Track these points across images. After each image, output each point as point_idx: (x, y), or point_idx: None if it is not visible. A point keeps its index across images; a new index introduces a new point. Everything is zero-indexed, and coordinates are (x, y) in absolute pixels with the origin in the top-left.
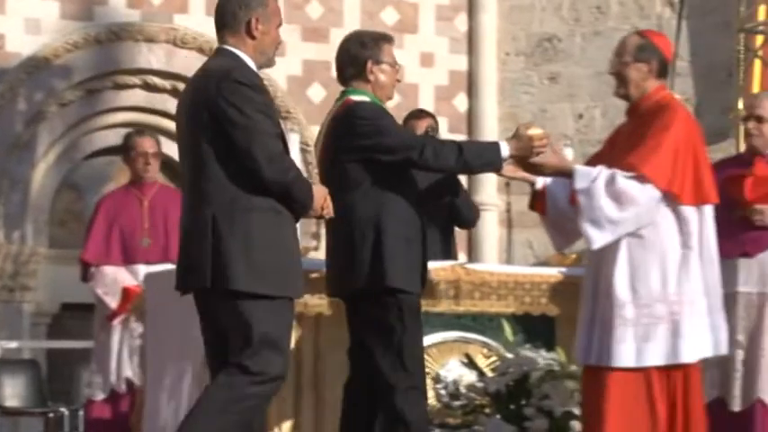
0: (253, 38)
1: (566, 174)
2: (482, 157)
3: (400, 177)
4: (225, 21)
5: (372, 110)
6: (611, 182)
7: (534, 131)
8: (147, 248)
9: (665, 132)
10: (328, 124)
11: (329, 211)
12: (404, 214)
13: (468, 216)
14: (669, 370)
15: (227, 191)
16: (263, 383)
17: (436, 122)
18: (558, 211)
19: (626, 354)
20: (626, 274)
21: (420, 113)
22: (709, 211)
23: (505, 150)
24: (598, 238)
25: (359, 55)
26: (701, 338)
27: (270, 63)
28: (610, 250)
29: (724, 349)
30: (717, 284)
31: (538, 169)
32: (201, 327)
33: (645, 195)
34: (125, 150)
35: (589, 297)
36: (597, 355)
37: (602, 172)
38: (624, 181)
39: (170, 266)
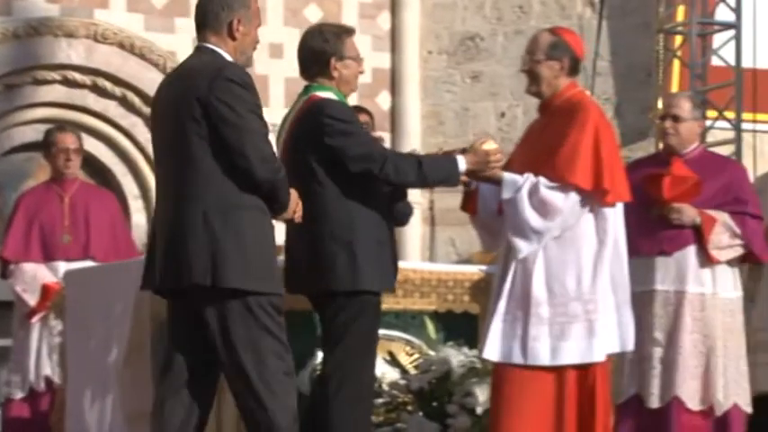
0: (234, 39)
1: (495, 181)
2: (440, 173)
3: (369, 178)
4: (206, 20)
5: (341, 111)
6: (534, 192)
7: (489, 146)
8: (68, 245)
9: (582, 132)
10: (293, 121)
11: (300, 215)
12: (375, 215)
13: (404, 213)
14: (584, 368)
15: (219, 188)
16: (289, 375)
17: (372, 118)
18: (489, 213)
19: (541, 352)
20: (542, 273)
21: (355, 109)
22: (620, 208)
23: (462, 165)
24: (524, 247)
25: (322, 52)
26: (610, 335)
27: (249, 63)
28: None
29: (630, 345)
30: (625, 281)
31: (470, 174)
32: (178, 324)
33: (568, 203)
34: (46, 146)
35: (502, 294)
36: (512, 353)
37: (526, 181)
38: (548, 191)
39: (90, 263)
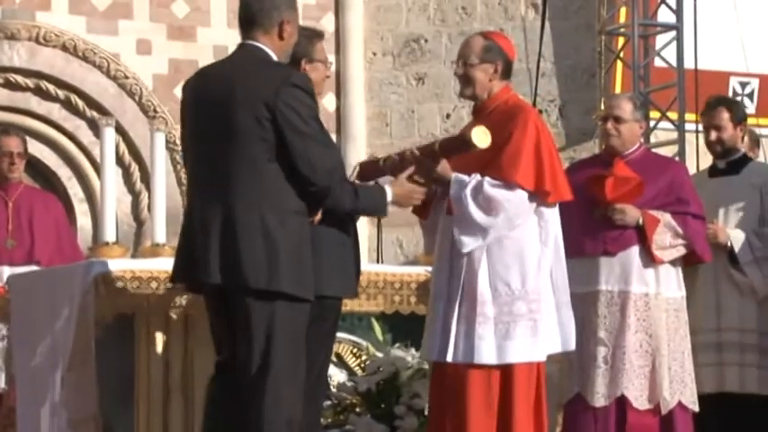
0: (282, 38)
1: (444, 182)
2: (372, 204)
3: None
4: (257, 19)
5: None
6: (479, 189)
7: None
8: (12, 250)
9: (524, 134)
10: None
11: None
12: (337, 217)
13: None
14: (528, 366)
15: (278, 192)
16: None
17: None
18: (437, 216)
19: (487, 351)
20: (486, 273)
21: None
22: (557, 209)
23: (389, 197)
24: (468, 242)
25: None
26: (552, 335)
27: (286, 62)
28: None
29: (572, 345)
30: (564, 281)
31: (422, 175)
32: (219, 324)
33: (513, 201)
34: None
35: (445, 296)
36: (459, 352)
37: (472, 179)
38: (491, 189)
39: (35, 268)
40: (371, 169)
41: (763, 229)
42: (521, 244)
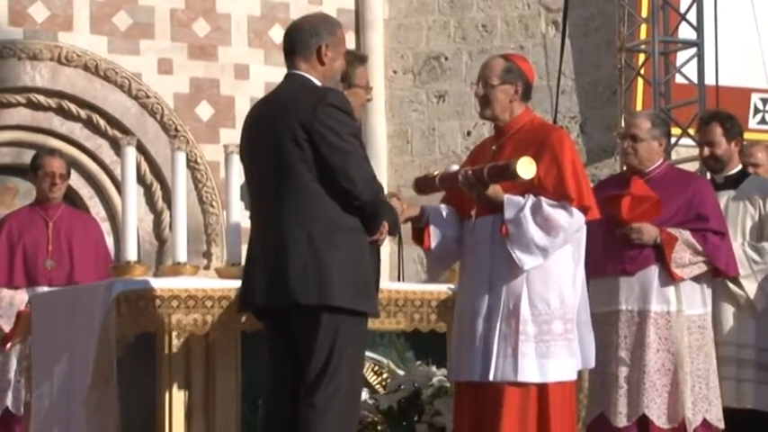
0: (323, 64)
1: (497, 202)
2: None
3: None
4: (296, 47)
5: None
6: (537, 210)
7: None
8: (51, 270)
9: (562, 152)
10: None
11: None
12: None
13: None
14: (561, 385)
15: (323, 210)
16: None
17: None
18: (443, 248)
19: (530, 369)
20: (526, 291)
21: None
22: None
23: None
24: (529, 260)
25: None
26: (577, 353)
27: (336, 87)
28: (508, 267)
29: (592, 363)
30: (586, 300)
31: (474, 196)
32: (276, 346)
33: (571, 221)
34: (33, 169)
35: (484, 315)
36: (500, 371)
37: (528, 200)
38: (550, 209)
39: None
40: (427, 185)
41: (761, 243)
42: (558, 263)
